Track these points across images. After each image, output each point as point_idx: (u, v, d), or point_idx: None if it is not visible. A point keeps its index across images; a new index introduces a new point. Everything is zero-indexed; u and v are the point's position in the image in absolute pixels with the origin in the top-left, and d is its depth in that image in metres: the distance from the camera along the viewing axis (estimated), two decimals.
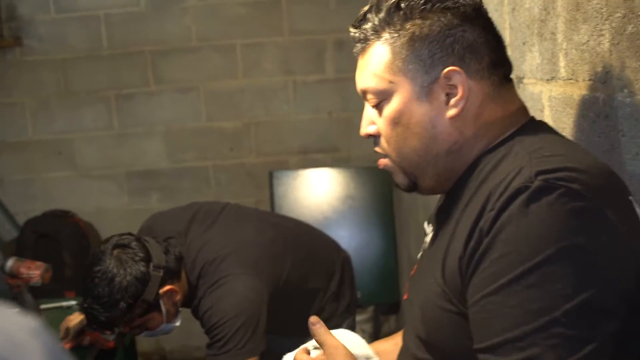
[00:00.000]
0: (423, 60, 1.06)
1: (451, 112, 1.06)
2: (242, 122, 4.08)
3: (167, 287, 1.99)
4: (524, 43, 1.51)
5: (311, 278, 2.26)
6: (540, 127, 1.10)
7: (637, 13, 1.03)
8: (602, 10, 1.13)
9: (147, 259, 1.95)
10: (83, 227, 3.93)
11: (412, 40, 1.06)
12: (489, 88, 1.07)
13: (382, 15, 1.07)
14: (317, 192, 3.94)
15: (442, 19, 1.05)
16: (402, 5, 1.06)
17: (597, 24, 1.16)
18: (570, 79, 1.30)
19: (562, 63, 1.33)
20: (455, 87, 1.05)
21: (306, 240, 2.36)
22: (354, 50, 1.14)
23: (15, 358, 0.37)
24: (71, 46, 3.98)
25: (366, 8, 1.11)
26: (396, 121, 1.07)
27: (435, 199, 1.26)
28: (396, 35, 1.06)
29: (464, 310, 0.97)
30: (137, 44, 3.99)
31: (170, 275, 2.00)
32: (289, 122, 4.09)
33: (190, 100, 4.06)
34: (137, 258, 1.94)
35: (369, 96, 1.10)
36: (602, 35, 1.14)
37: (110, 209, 4.11)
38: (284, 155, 4.11)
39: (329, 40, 4.02)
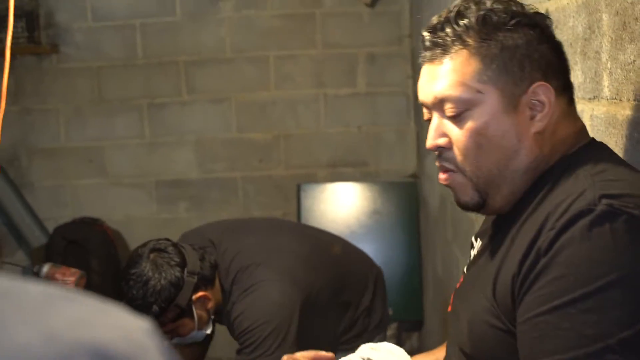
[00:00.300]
0: (513, 72, 1.03)
1: (536, 127, 1.04)
2: (272, 134, 4.10)
3: (200, 294, 2.00)
4: None
5: (344, 291, 2.26)
6: (602, 149, 1.09)
7: None
8: None
9: (183, 264, 1.97)
10: (111, 235, 3.97)
11: (503, 51, 1.03)
12: (563, 106, 1.07)
13: (470, 23, 1.04)
14: (344, 206, 3.94)
15: (531, 33, 1.05)
16: (492, 15, 1.04)
17: None
18: (615, 99, 1.29)
19: (605, 82, 1.32)
20: (540, 102, 1.04)
21: (340, 253, 2.36)
22: (424, 56, 1.10)
23: (138, 359, 0.37)
24: (106, 54, 4.04)
25: (445, 14, 1.08)
26: (480, 132, 1.04)
27: (477, 216, 1.26)
28: (486, 44, 1.04)
29: (512, 329, 0.96)
30: (172, 54, 4.03)
31: (204, 281, 2.01)
32: (319, 135, 4.10)
33: (221, 111, 4.09)
34: (172, 263, 1.95)
35: (448, 105, 1.05)
36: None
37: (139, 218, 4.14)
38: (312, 168, 4.12)
39: (361, 54, 4.04)
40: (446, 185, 1.11)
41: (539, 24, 1.06)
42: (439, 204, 3.38)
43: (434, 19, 1.09)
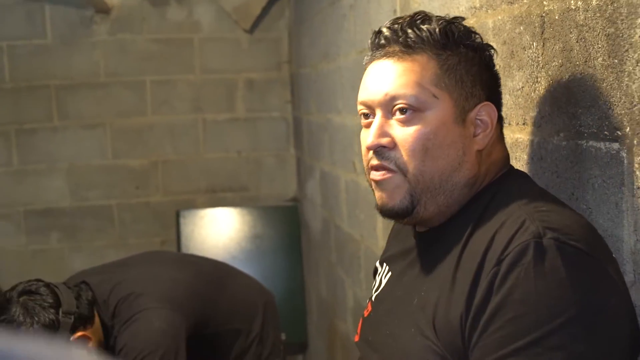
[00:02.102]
0: (467, 86, 1.04)
1: (478, 144, 1.05)
2: (149, 160, 4.00)
3: (79, 334, 1.90)
4: None
5: (233, 318, 2.23)
6: (524, 177, 1.11)
7: (574, 62, 1.10)
8: (539, 59, 1.21)
9: (57, 305, 1.85)
10: None
11: (461, 64, 1.04)
12: (498, 131, 1.10)
13: (433, 30, 1.04)
14: (225, 232, 3.90)
15: (486, 54, 1.08)
16: (455, 29, 1.05)
17: (533, 72, 1.23)
18: (505, 124, 1.37)
19: None
20: (484, 122, 1.06)
21: (227, 280, 2.32)
22: (376, 53, 1.07)
23: None
24: None
25: (409, 17, 1.07)
26: (430, 136, 1.02)
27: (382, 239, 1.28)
28: (446, 54, 1.04)
29: None
30: (42, 78, 3.86)
31: (82, 320, 1.91)
32: (198, 160, 4.05)
33: (96, 137, 3.95)
34: (45, 304, 1.84)
35: (400, 104, 1.03)
36: (538, 82, 1.22)
37: (6, 250, 3.90)
38: (191, 194, 4.06)
39: (240, 80, 4.04)
40: (377, 184, 1.07)
41: (488, 52, 1.09)
42: (321, 227, 3.43)
43: (390, 21, 1.07)
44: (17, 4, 3.80)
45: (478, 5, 1.44)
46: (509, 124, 1.34)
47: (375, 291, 1.19)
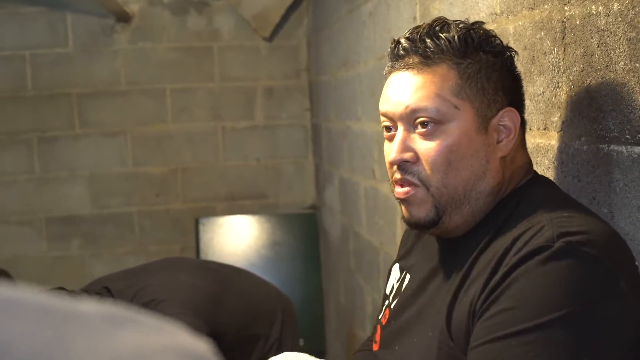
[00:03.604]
0: (489, 93, 1.03)
1: (502, 151, 1.05)
2: (169, 168, 4.03)
3: None
4: None
5: (252, 324, 2.24)
6: (549, 184, 1.10)
7: (595, 67, 1.11)
8: (560, 64, 1.21)
9: None
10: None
11: (481, 71, 1.03)
12: (522, 136, 1.10)
13: (452, 38, 1.03)
14: (244, 239, 3.92)
15: (507, 57, 1.07)
16: (474, 35, 1.04)
17: (554, 77, 1.23)
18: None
19: None
20: (507, 127, 1.05)
21: (246, 286, 2.34)
22: (396, 64, 1.07)
23: None
24: None
25: (424, 27, 1.06)
26: (453, 148, 1.01)
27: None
28: (465, 62, 1.02)
29: None
30: (64, 86, 3.90)
31: None
32: (217, 168, 4.07)
33: (116, 145, 3.99)
34: None
35: (421, 117, 1.02)
36: (559, 87, 1.22)
37: (28, 257, 3.95)
38: (210, 201, 4.08)
39: (259, 88, 4.06)
40: (402, 200, 1.07)
41: (508, 54, 1.08)
42: (340, 234, 3.43)
43: (409, 31, 1.07)
44: (39, 13, 3.86)
45: (499, 11, 1.45)
46: (530, 129, 1.34)
47: (394, 298, 1.18)
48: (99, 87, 3.93)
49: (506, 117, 1.05)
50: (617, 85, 1.05)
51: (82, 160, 3.96)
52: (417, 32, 1.05)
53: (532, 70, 1.31)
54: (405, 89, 1.04)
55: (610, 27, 1.05)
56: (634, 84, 1.01)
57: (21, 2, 3.83)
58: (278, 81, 4.07)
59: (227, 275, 2.33)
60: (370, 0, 2.56)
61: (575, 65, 1.16)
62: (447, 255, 1.09)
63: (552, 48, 1.23)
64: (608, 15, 1.06)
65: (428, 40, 1.03)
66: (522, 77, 1.35)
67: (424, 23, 1.08)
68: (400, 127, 1.05)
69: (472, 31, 1.05)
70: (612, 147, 1.08)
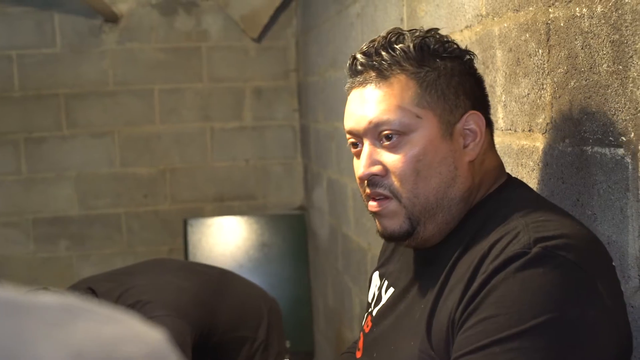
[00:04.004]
0: (450, 99, 1.03)
1: (469, 155, 1.05)
2: (157, 169, 4.02)
3: None
4: None
5: (239, 326, 2.24)
6: (521, 186, 1.10)
7: (579, 69, 1.11)
8: (544, 66, 1.21)
9: None
10: None
11: (440, 77, 1.03)
12: (489, 138, 1.09)
13: (407, 48, 1.03)
14: (232, 240, 3.92)
15: (466, 61, 1.07)
16: (428, 43, 1.04)
17: (538, 78, 1.24)
18: (509, 130, 1.37)
19: (500, 114, 1.40)
20: (472, 131, 1.05)
21: (232, 288, 2.34)
22: (354, 81, 1.07)
23: None
24: None
25: (378, 40, 1.06)
26: (419, 158, 1.02)
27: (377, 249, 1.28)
28: (423, 70, 1.03)
29: None
30: (51, 87, 3.89)
31: None
32: (206, 168, 4.07)
33: (104, 145, 3.97)
34: None
35: (385, 130, 1.03)
36: (544, 89, 1.22)
37: (14, 258, 3.93)
38: (199, 202, 4.07)
39: (247, 88, 4.06)
40: (374, 213, 1.08)
41: (467, 57, 1.08)
42: (328, 235, 3.43)
43: (365, 45, 1.07)
44: (26, 13, 3.84)
45: (484, 12, 1.45)
46: (515, 131, 1.34)
47: (375, 305, 1.18)
48: (87, 87, 3.92)
49: (470, 121, 1.05)
50: (600, 87, 1.05)
51: (70, 160, 3.94)
52: (373, 46, 1.06)
53: (517, 72, 1.31)
54: (367, 104, 1.05)
55: (594, 29, 1.06)
56: (617, 86, 1.01)
57: (8, 2, 3.81)
58: (267, 82, 4.07)
59: (213, 276, 2.32)
60: (358, 1, 2.57)
61: (559, 67, 1.16)
62: (424, 264, 1.09)
63: (536, 50, 1.23)
64: (592, 18, 1.06)
65: (384, 53, 1.04)
66: (507, 79, 1.35)
67: (379, 36, 1.07)
68: (366, 142, 1.06)
69: (427, 39, 1.05)
70: (595, 149, 1.08)
